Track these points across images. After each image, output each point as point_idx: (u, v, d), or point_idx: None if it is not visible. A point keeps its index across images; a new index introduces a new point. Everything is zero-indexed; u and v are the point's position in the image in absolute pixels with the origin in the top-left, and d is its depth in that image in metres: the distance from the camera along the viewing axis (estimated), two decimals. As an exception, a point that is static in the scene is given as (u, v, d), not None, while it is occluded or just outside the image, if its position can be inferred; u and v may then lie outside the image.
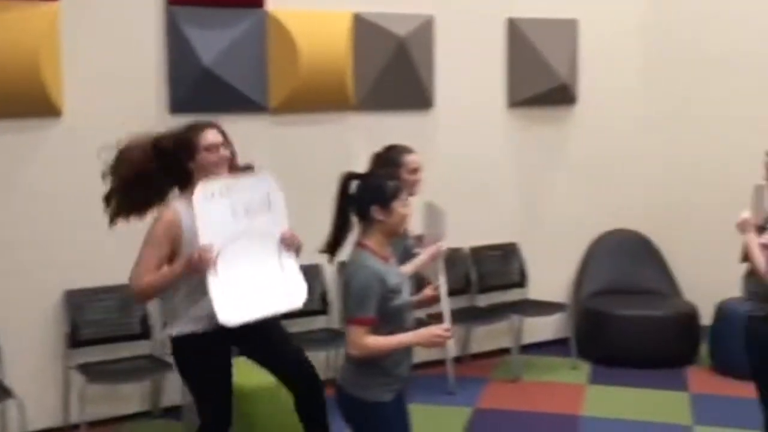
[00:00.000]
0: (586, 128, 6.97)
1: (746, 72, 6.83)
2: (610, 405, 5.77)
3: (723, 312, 6.35)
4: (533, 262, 6.77)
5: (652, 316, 6.55)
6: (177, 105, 5.45)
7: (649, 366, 6.38)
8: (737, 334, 6.09)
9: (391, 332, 3.28)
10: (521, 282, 6.74)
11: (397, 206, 3.35)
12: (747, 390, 5.84)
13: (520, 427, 5.39)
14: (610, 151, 7.05)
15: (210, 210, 3.78)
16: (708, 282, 6.70)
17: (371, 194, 3.36)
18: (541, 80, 6.66)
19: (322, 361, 6.07)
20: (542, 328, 6.82)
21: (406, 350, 3.39)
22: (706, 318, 6.52)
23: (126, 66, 5.37)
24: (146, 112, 5.41)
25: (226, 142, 4.03)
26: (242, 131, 5.71)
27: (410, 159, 4.48)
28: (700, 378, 6.26)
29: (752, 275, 4.16)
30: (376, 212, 3.32)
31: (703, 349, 6.55)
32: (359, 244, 3.37)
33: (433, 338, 3.30)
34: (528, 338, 6.77)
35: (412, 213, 3.48)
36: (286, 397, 4.69)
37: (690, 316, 6.61)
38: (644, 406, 5.74)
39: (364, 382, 3.32)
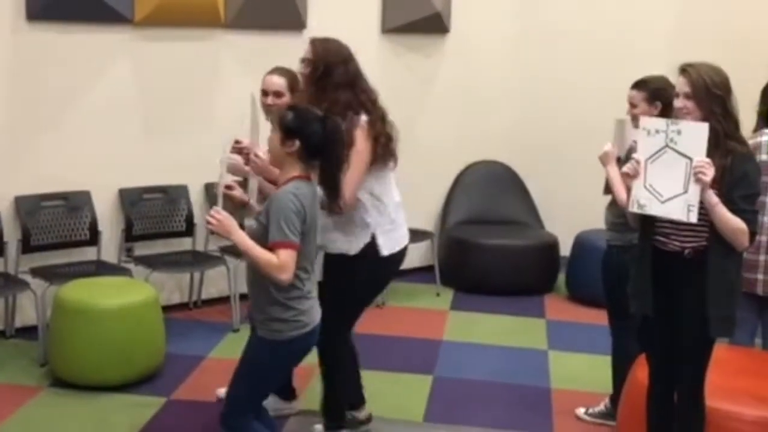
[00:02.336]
0: (458, 59, 7.00)
1: (616, 5, 6.99)
2: (470, 330, 5.93)
3: (580, 243, 6.59)
4: (401, 191, 6.78)
5: (514, 245, 6.72)
6: (35, 13, 5.19)
7: (509, 293, 6.57)
8: (593, 264, 6.34)
9: None
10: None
11: None
12: (598, 317, 6.10)
13: (384, 352, 5.47)
14: (479, 82, 7.12)
15: None
16: (568, 213, 6.93)
17: None
18: (415, 8, 6.63)
19: (186, 282, 6.01)
20: (408, 255, 6.85)
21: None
22: (565, 248, 6.75)
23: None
24: (1, 20, 5.14)
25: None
26: (104, 43, 5.52)
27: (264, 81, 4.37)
28: (557, 305, 6.50)
29: (613, 206, 4.30)
30: None
31: (561, 278, 6.79)
32: None
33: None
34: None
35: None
36: (135, 316, 4.71)
37: (550, 246, 6.83)
38: (503, 332, 5.93)
39: None
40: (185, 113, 5.85)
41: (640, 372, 4.03)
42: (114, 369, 4.67)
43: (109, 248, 5.60)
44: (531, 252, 6.74)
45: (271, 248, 3.16)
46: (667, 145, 3.31)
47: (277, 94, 4.27)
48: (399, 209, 4.10)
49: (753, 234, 3.34)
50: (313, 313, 3.36)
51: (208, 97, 5.94)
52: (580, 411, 4.65)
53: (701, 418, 3.52)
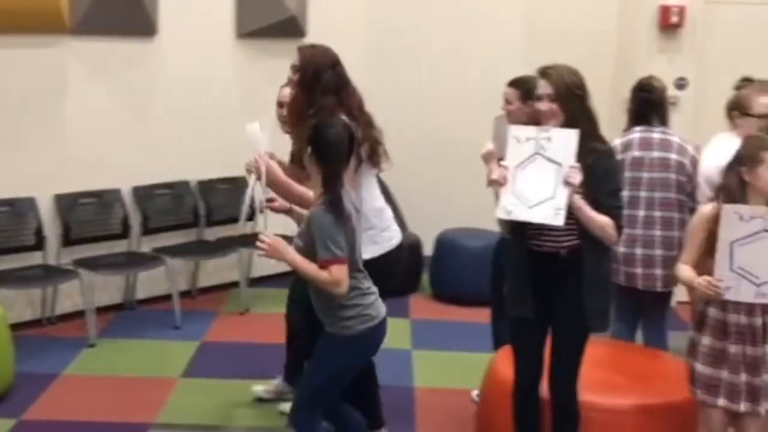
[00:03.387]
0: (316, 62, 6.96)
1: (469, 5, 7.10)
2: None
3: (443, 242, 6.68)
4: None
5: (378, 247, 6.73)
6: None
7: (374, 295, 6.58)
8: (456, 263, 6.50)
9: None
10: (251, 215, 6.68)
11: None
12: (462, 315, 6.22)
13: (247, 360, 5.40)
14: None
15: None
16: (429, 213, 7.01)
17: None
18: (269, 12, 6.57)
19: (38, 297, 5.78)
20: (272, 261, 6.82)
21: None
22: (428, 248, 6.83)
23: None
24: None
25: None
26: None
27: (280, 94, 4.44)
28: (421, 305, 6.55)
29: None
30: None
31: (425, 277, 6.86)
32: None
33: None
34: (258, 271, 6.79)
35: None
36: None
37: (413, 246, 6.87)
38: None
39: None
40: (31, 124, 5.62)
41: (500, 366, 4.10)
42: (-41, 393, 4.45)
43: (-48, 266, 5.33)
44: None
45: (322, 266, 3.35)
46: (537, 152, 3.35)
47: None
48: (380, 214, 4.09)
49: (620, 228, 3.44)
50: (377, 306, 3.56)
51: (55, 106, 5.74)
52: (474, 393, 4.70)
53: (578, 412, 3.60)
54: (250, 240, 6.45)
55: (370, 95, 7.47)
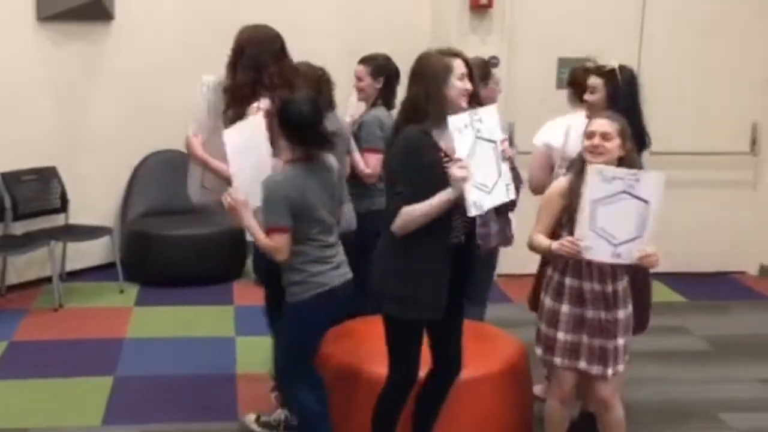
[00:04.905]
0: (125, 46, 6.67)
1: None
2: (155, 325, 5.75)
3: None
4: (75, 186, 6.47)
5: (200, 234, 6.59)
6: None
7: (198, 284, 6.45)
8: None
9: None
10: (62, 207, 6.41)
11: None
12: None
13: (59, 356, 5.17)
14: (153, 70, 6.78)
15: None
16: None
17: None
18: (72, -5, 6.26)
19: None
20: (88, 253, 6.58)
21: None
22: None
23: None
24: None
25: None
26: None
27: None
28: (245, 291, 6.44)
29: (352, 178, 4.47)
30: None
31: (249, 263, 6.76)
32: None
33: None
34: (73, 265, 6.52)
35: None
36: None
37: (235, 232, 6.75)
38: (190, 323, 5.81)
39: None
40: None
41: (328, 346, 4.02)
42: None
43: None
44: (217, 239, 6.64)
45: (266, 232, 3.48)
46: (476, 136, 3.24)
47: None
48: None
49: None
50: (327, 276, 3.54)
51: None
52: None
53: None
54: (61, 232, 6.22)
55: (186, 77, 7.31)
